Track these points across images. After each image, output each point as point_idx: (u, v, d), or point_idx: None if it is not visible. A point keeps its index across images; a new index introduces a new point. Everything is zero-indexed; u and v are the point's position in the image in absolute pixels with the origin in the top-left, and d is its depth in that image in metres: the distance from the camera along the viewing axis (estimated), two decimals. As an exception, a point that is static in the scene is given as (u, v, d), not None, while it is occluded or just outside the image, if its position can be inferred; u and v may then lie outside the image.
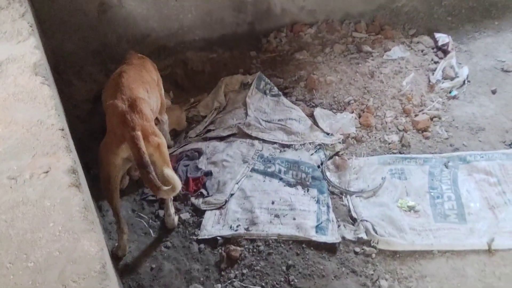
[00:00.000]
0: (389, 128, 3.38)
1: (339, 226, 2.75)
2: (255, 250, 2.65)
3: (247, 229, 2.72)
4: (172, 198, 2.71)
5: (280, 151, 3.25)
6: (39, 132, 1.35)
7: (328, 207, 2.84)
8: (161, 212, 2.82)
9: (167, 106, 3.39)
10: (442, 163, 3.09)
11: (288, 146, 3.28)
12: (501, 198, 2.81)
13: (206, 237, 2.71)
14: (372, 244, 2.64)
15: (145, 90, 2.63)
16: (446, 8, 4.40)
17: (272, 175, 3.05)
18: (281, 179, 3.02)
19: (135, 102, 2.39)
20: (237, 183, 2.99)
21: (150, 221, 2.83)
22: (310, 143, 3.28)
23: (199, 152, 3.22)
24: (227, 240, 2.69)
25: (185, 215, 2.85)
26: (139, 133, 2.26)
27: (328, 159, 3.18)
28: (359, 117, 3.44)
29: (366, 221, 2.73)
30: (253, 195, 2.91)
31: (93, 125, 3.11)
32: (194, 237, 2.73)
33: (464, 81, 3.70)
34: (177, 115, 3.41)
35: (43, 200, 1.19)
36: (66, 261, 1.06)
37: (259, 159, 3.16)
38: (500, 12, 4.35)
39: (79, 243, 1.09)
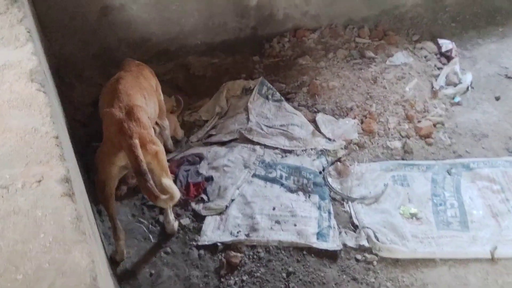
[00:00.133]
0: (392, 134, 3.36)
1: (340, 233, 2.73)
2: (255, 256, 2.63)
3: (247, 235, 2.70)
4: (171, 206, 2.67)
5: (282, 157, 3.23)
6: (33, 140, 1.34)
7: (329, 213, 2.82)
8: (162, 218, 2.80)
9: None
10: (445, 170, 3.07)
11: (290, 152, 3.26)
12: (504, 205, 2.78)
13: (206, 243, 2.69)
14: (373, 252, 2.62)
15: (143, 97, 2.60)
16: (450, 14, 4.38)
17: (273, 180, 3.03)
18: (282, 184, 3.00)
19: (132, 110, 2.37)
20: (238, 189, 2.97)
21: (150, 226, 2.81)
22: (312, 149, 3.26)
23: (200, 157, 3.20)
24: (227, 246, 2.67)
25: (185, 221, 2.83)
26: (136, 141, 2.24)
27: (330, 165, 3.16)
28: (362, 123, 3.42)
29: (368, 228, 2.71)
30: (254, 200, 2.89)
31: (93, 128, 3.10)
32: (194, 243, 2.71)
33: (467, 88, 3.68)
34: (173, 123, 3.38)
35: (35, 210, 1.17)
36: (56, 274, 1.04)
37: (260, 165, 3.14)
38: (504, 19, 4.33)
39: (69, 254, 1.07)
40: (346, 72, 3.80)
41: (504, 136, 3.27)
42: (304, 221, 2.76)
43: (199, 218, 2.84)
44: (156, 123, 2.99)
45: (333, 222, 2.77)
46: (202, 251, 2.66)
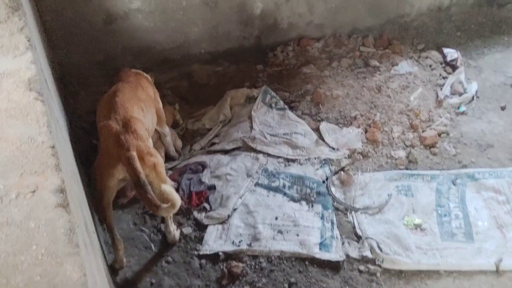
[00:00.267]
0: (396, 144, 3.34)
1: (343, 243, 2.70)
2: (257, 266, 2.60)
3: (249, 245, 2.68)
4: (172, 216, 2.66)
5: (285, 166, 3.21)
6: (28, 149, 1.33)
7: (332, 223, 2.79)
8: (163, 226, 2.78)
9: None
10: (450, 180, 3.04)
11: (293, 161, 3.24)
12: (510, 217, 2.75)
13: (208, 252, 2.67)
14: (377, 263, 2.59)
15: (140, 109, 2.59)
16: (455, 23, 4.38)
17: (276, 190, 3.01)
18: (285, 194, 2.98)
19: (129, 122, 2.36)
20: (240, 198, 2.95)
21: (152, 235, 2.80)
22: (315, 158, 3.24)
23: (203, 166, 3.19)
24: (229, 256, 2.65)
25: (187, 230, 2.81)
26: (134, 153, 2.23)
27: (334, 175, 3.13)
28: (366, 132, 3.40)
29: (371, 238, 2.68)
30: (256, 210, 2.88)
31: (96, 135, 3.09)
32: (196, 252, 2.69)
33: (472, 97, 3.66)
34: (173, 135, 3.37)
35: (28, 221, 1.15)
36: (47, 287, 1.02)
37: (263, 173, 3.12)
38: (509, 28, 4.32)
39: (61, 267, 1.05)
40: (350, 81, 3.79)
41: (510, 147, 3.24)
42: (307, 231, 2.73)
43: (201, 227, 2.82)
44: (156, 130, 2.99)
45: (336, 232, 2.74)
46: (203, 261, 2.64)
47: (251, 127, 3.46)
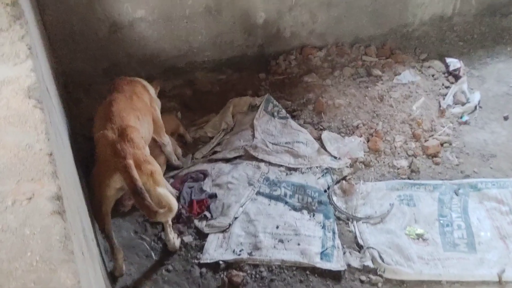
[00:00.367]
0: (398, 153, 3.33)
1: (344, 253, 2.69)
2: (257, 276, 2.59)
3: (250, 254, 2.67)
4: (171, 223, 2.66)
5: (286, 174, 3.21)
6: (26, 156, 1.33)
7: (333, 233, 2.78)
8: (164, 235, 2.78)
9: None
10: (452, 190, 3.02)
11: (295, 170, 3.24)
12: (513, 227, 2.72)
13: (208, 261, 2.66)
14: (378, 273, 2.57)
15: (136, 117, 2.60)
16: (458, 33, 4.38)
17: (277, 198, 3.01)
18: (286, 203, 2.98)
19: (125, 131, 2.37)
20: (241, 206, 2.95)
21: (152, 243, 2.80)
22: (317, 167, 3.23)
23: (204, 174, 3.19)
24: (230, 265, 2.64)
25: (188, 238, 2.81)
26: (130, 161, 2.24)
27: (335, 184, 3.13)
28: (368, 141, 3.40)
29: (373, 248, 2.67)
30: (257, 219, 2.87)
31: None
32: (196, 261, 2.68)
33: (475, 107, 3.65)
34: (173, 145, 3.36)
35: (23, 228, 1.16)
36: None
37: (264, 182, 3.12)
38: (512, 38, 4.32)
39: (55, 274, 1.05)
40: (352, 90, 3.79)
41: (513, 157, 3.23)
42: (308, 240, 2.72)
43: (201, 236, 2.82)
44: (155, 140, 2.97)
45: (338, 241, 2.73)
46: (204, 269, 2.64)
47: (253, 136, 3.46)
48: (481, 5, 4.37)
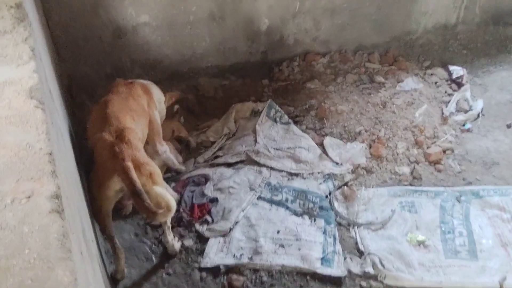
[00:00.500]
0: (400, 160, 3.33)
1: (345, 258, 2.68)
2: (257, 280, 2.59)
3: (250, 259, 2.67)
4: (170, 225, 2.66)
5: (288, 180, 3.21)
6: (26, 156, 1.35)
7: (334, 238, 2.78)
8: (163, 237, 2.78)
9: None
10: (454, 197, 3.01)
11: (296, 175, 3.24)
12: (514, 235, 2.71)
13: (209, 265, 2.66)
14: (379, 279, 2.56)
15: (132, 118, 2.58)
16: (461, 41, 4.39)
17: (278, 203, 3.01)
18: (287, 208, 2.98)
19: (123, 133, 2.36)
20: (242, 211, 2.95)
21: (153, 246, 2.80)
22: (318, 172, 3.23)
23: (206, 178, 3.20)
24: (230, 269, 2.64)
25: (189, 242, 2.81)
26: (129, 163, 2.23)
27: (337, 189, 3.12)
28: (370, 147, 3.40)
29: (374, 254, 2.66)
30: (258, 223, 2.87)
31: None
32: (196, 265, 2.68)
33: (478, 114, 3.64)
34: (173, 151, 3.36)
35: (22, 225, 1.17)
36: None
37: (266, 187, 3.12)
38: (516, 47, 4.32)
39: (53, 272, 1.06)
40: (355, 96, 3.80)
41: (515, 165, 3.22)
42: (309, 246, 2.72)
43: (202, 240, 2.82)
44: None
45: (338, 247, 2.72)
46: (204, 273, 2.64)
47: (255, 141, 3.47)
48: (485, 14, 4.38)
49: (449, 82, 3.99)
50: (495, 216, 2.84)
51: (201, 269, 2.65)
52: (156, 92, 3.10)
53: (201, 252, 2.74)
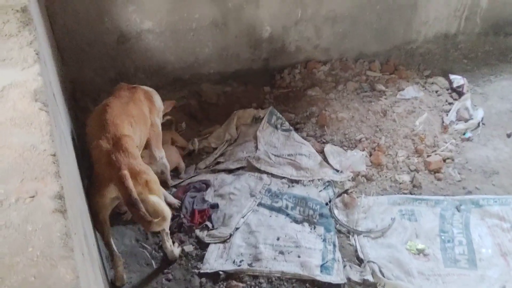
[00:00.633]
0: (401, 168, 3.34)
1: (344, 266, 2.68)
2: (257, 287, 2.59)
3: (250, 265, 2.67)
4: (168, 232, 2.66)
5: (288, 186, 3.22)
6: (30, 157, 1.38)
7: (334, 246, 2.78)
8: (162, 243, 2.79)
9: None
10: (454, 206, 3.02)
11: (297, 182, 3.25)
12: (514, 245, 2.71)
13: (208, 271, 2.66)
14: (378, 287, 2.56)
15: (129, 124, 2.56)
16: (462, 51, 4.42)
17: (279, 210, 3.02)
18: (288, 215, 2.99)
19: (119, 141, 2.35)
20: (243, 217, 2.96)
21: (153, 252, 2.81)
22: (319, 180, 3.25)
23: (207, 184, 3.21)
24: (230, 275, 2.64)
25: (189, 248, 2.82)
26: (125, 172, 2.22)
27: (337, 197, 3.14)
28: (370, 155, 3.42)
29: (373, 262, 2.66)
30: (258, 230, 2.88)
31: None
32: (196, 271, 2.69)
33: (478, 124, 3.66)
34: (176, 157, 3.37)
35: (26, 224, 1.20)
36: (41, 287, 1.05)
37: (266, 194, 3.13)
38: (516, 56, 4.35)
39: (55, 269, 1.09)
40: (355, 104, 3.82)
41: (515, 174, 3.23)
42: (308, 253, 2.72)
43: (202, 246, 2.83)
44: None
45: (338, 255, 2.73)
46: (204, 279, 2.64)
47: (256, 147, 3.49)
48: (485, 24, 4.41)
49: (449, 91, 4.01)
50: (495, 225, 2.85)
51: (200, 275, 2.66)
52: (158, 100, 3.11)
53: (201, 258, 2.75)
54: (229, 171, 3.35)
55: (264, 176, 3.27)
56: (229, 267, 2.66)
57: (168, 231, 2.65)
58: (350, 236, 2.89)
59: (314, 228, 2.90)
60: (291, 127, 3.66)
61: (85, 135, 2.56)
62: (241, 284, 2.58)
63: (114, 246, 2.48)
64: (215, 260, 2.73)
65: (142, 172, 2.32)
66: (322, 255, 2.71)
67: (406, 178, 3.26)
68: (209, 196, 3.13)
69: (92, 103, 3.61)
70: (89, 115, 2.64)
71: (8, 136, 1.44)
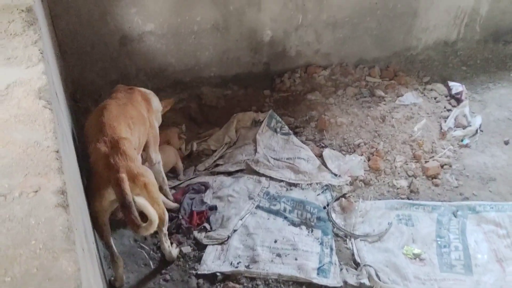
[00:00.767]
0: (398, 173, 3.36)
1: (341, 269, 2.70)
2: (254, 288, 2.60)
3: (247, 267, 2.69)
4: (166, 233, 2.67)
5: (287, 190, 3.24)
6: (34, 153, 1.41)
7: (331, 249, 2.80)
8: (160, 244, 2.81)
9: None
10: (451, 211, 3.04)
11: (295, 185, 3.27)
12: (509, 251, 2.74)
13: (206, 272, 2.68)
14: (374, 291, 2.58)
15: (128, 126, 2.54)
16: (461, 58, 4.45)
17: (276, 213, 3.04)
18: (285, 218, 3.00)
19: (117, 144, 2.34)
20: (241, 219, 2.98)
21: (151, 252, 2.82)
22: (317, 183, 3.27)
23: (206, 186, 3.23)
24: (227, 277, 2.65)
25: (187, 249, 2.83)
26: (123, 175, 2.23)
27: (335, 201, 3.15)
28: (368, 160, 3.44)
29: (370, 266, 2.68)
30: (256, 232, 2.89)
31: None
32: (194, 272, 2.70)
33: (476, 130, 3.69)
34: (175, 157, 3.38)
35: (29, 218, 1.23)
36: (43, 279, 1.08)
37: (265, 196, 3.15)
38: (515, 65, 4.38)
39: (57, 262, 1.11)
40: (355, 109, 3.85)
41: (512, 181, 3.25)
42: (305, 256, 2.74)
43: (200, 247, 2.85)
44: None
45: (335, 258, 2.75)
46: (201, 280, 2.65)
47: (255, 150, 3.51)
48: (485, 32, 4.45)
49: (448, 97, 4.04)
50: (491, 231, 2.87)
51: (198, 276, 2.67)
52: (155, 101, 3.07)
53: (198, 259, 2.76)
54: (228, 174, 3.37)
55: (263, 179, 3.29)
56: (226, 268, 2.68)
57: (166, 232, 2.66)
58: (347, 240, 2.91)
59: (312, 231, 2.92)
60: (290, 131, 3.69)
61: (84, 136, 2.56)
62: (238, 286, 2.59)
63: (114, 247, 2.48)
64: (213, 261, 2.74)
65: (140, 175, 2.32)
66: (319, 258, 2.73)
67: (403, 183, 3.29)
68: (208, 198, 3.14)
69: (93, 104, 3.64)
70: (88, 117, 2.64)
71: (12, 133, 1.47)
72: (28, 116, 1.53)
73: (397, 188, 3.25)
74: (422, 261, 2.76)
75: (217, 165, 3.48)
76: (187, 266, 2.74)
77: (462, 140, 3.62)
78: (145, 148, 2.86)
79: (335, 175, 3.33)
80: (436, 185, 3.27)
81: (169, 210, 2.81)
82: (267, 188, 3.22)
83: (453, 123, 3.75)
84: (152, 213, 2.24)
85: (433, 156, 3.47)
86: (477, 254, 2.75)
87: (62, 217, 1.18)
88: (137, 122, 2.66)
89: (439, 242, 2.85)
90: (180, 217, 2.97)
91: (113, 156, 2.28)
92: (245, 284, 2.62)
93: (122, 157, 2.30)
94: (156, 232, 2.82)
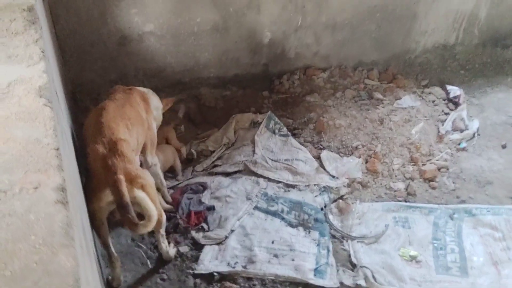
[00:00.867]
0: (396, 176, 3.38)
1: (338, 270, 2.71)
2: (250, 289, 2.61)
3: (244, 267, 2.70)
4: (164, 234, 2.67)
5: (284, 191, 3.25)
6: (34, 149, 1.43)
7: (328, 250, 2.81)
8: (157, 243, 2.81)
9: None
10: (448, 214, 3.06)
11: (293, 186, 3.28)
12: (505, 254, 2.75)
13: (203, 272, 2.69)
14: (370, 292, 2.59)
15: (126, 127, 2.52)
16: (460, 62, 4.47)
17: (274, 214, 3.05)
18: (283, 218, 3.02)
19: (115, 146, 2.32)
20: (238, 220, 2.99)
21: (148, 251, 2.83)
22: (315, 185, 3.28)
23: (204, 186, 3.24)
24: (224, 277, 2.66)
25: (184, 248, 2.84)
26: (121, 177, 2.22)
27: (332, 202, 3.17)
28: (366, 162, 3.45)
29: (366, 267, 2.69)
30: (253, 233, 2.91)
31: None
32: (191, 271, 2.71)
33: (474, 134, 3.70)
34: (173, 156, 3.39)
35: (29, 213, 1.24)
36: (42, 273, 1.10)
37: (262, 197, 3.16)
38: (512, 69, 4.40)
39: (56, 257, 1.13)
40: (353, 111, 3.86)
41: (509, 184, 3.26)
42: (302, 257, 2.75)
43: (197, 247, 2.85)
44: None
45: (331, 259, 2.76)
46: (198, 280, 2.66)
47: (254, 151, 3.52)
48: (483, 36, 4.47)
49: (446, 101, 4.06)
50: (487, 234, 2.89)
51: (195, 276, 2.68)
52: (154, 100, 3.07)
53: (196, 259, 2.77)
54: (226, 174, 3.38)
55: (261, 180, 3.30)
56: (224, 268, 2.69)
57: (164, 232, 2.67)
58: (344, 241, 2.92)
59: (309, 232, 2.93)
60: (288, 132, 3.70)
61: (82, 136, 2.56)
62: (235, 286, 2.60)
63: (112, 247, 2.48)
64: (210, 261, 2.75)
65: (138, 177, 2.32)
66: (316, 259, 2.74)
67: (401, 185, 3.30)
68: (206, 198, 3.15)
69: (92, 103, 3.65)
70: (86, 117, 2.64)
71: (13, 130, 1.48)
72: (29, 113, 1.55)
73: (395, 191, 3.27)
74: (418, 263, 2.78)
75: (215, 166, 3.49)
76: (185, 265, 2.75)
77: (459, 144, 3.64)
78: (142, 150, 2.84)
79: (333, 177, 3.34)
80: (433, 188, 3.28)
81: (165, 211, 2.81)
82: (265, 189, 3.24)
83: (451, 126, 3.77)
84: (151, 208, 2.25)
85: (430, 159, 3.49)
86: (473, 256, 2.76)
87: (61, 214, 1.20)
88: (136, 123, 2.65)
89: (435, 245, 2.87)
90: (178, 217, 2.98)
91: (111, 158, 2.28)
92: (242, 284, 2.63)
93: (120, 158, 2.29)
94: (153, 232, 2.84)
